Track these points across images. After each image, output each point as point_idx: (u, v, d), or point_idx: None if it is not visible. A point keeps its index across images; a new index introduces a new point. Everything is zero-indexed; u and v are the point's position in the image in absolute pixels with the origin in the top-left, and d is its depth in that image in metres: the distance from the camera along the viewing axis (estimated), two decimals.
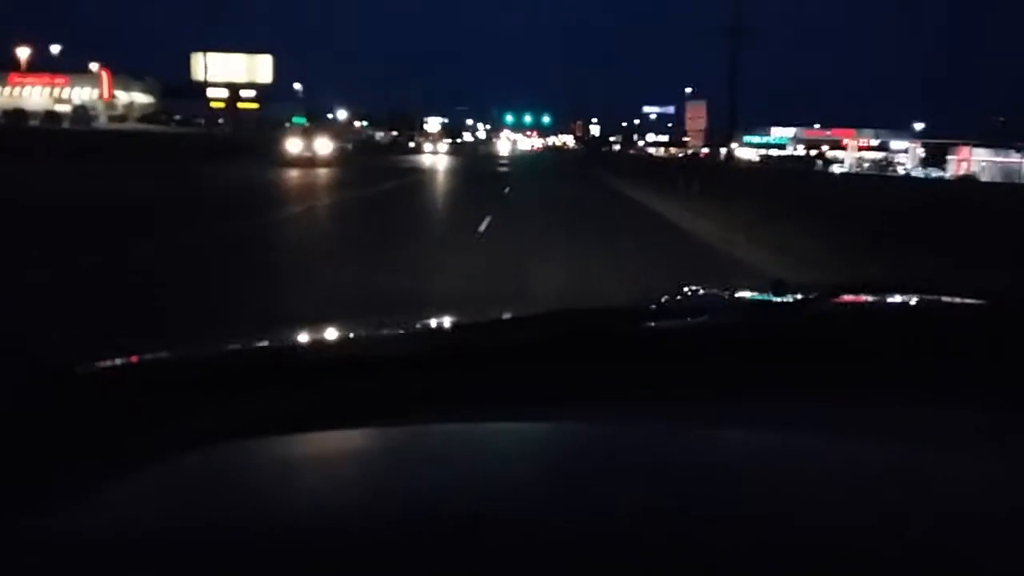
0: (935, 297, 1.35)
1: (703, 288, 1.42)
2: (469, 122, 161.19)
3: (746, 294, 1.48)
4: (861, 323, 1.17)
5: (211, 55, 66.78)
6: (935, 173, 66.67)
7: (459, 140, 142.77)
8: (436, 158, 52.53)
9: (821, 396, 0.93)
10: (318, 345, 1.12)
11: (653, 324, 1.12)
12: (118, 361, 0.96)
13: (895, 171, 68.34)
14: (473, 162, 49.23)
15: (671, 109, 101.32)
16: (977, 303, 1.30)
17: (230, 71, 64.91)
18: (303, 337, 1.15)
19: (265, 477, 0.72)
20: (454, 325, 1.25)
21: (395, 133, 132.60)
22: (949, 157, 68.90)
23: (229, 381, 0.92)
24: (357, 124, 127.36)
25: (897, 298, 1.38)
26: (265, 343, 1.16)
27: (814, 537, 0.58)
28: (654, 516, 0.61)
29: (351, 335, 1.21)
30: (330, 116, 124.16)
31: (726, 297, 1.46)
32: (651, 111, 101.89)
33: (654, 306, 1.24)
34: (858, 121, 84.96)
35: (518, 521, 0.60)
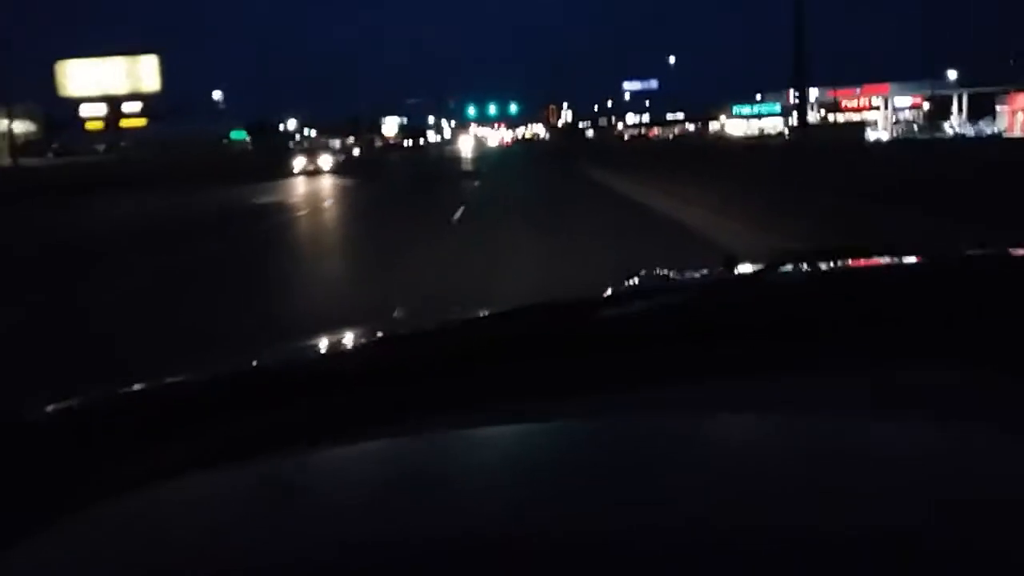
0: (893, 260, 1.31)
1: (654, 270, 1.42)
2: (432, 120, 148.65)
3: (701, 273, 1.43)
4: (811, 293, 1.15)
5: (80, 62, 52.80)
6: (988, 129, 54.51)
7: (422, 141, 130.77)
8: (311, 187, 28.52)
9: (778, 372, 0.93)
10: (276, 364, 1.10)
11: (599, 314, 1.12)
12: (63, 405, 0.93)
13: (943, 133, 56.32)
14: (377, 191, 26.18)
15: (654, 84, 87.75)
16: (934, 263, 1.28)
17: (106, 80, 51.17)
18: (260, 358, 1.12)
19: (229, 509, 0.70)
20: (403, 334, 1.20)
21: (351, 140, 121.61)
22: (998, 108, 56.92)
23: (190, 409, 0.90)
24: (312, 132, 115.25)
25: (854, 263, 1.32)
26: (221, 368, 1.11)
27: (793, 522, 0.58)
28: (627, 511, 0.61)
29: (310, 349, 1.17)
30: (282, 127, 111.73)
31: (678, 278, 1.43)
32: (631, 87, 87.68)
33: (605, 295, 1.22)
34: (863, 76, 72.71)
35: (495, 528, 0.60)
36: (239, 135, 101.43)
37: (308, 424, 0.87)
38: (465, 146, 78.83)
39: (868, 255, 1.32)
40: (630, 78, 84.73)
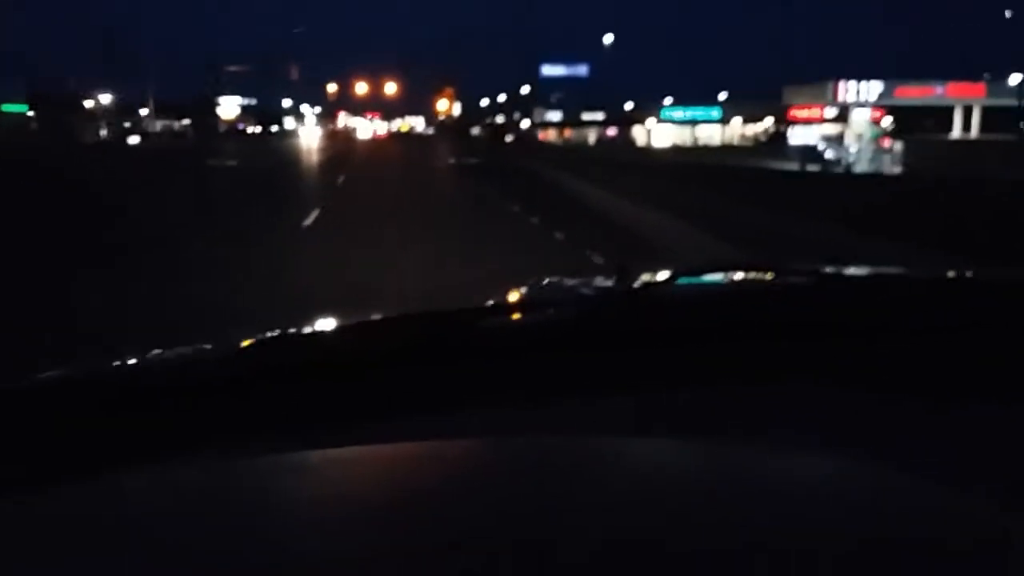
0: (786, 276, 1.31)
1: (552, 279, 1.44)
2: (289, 104, 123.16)
3: (594, 283, 1.41)
4: (702, 307, 1.17)
5: None
6: None
7: (274, 128, 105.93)
8: None
9: (662, 388, 0.93)
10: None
11: (487, 325, 1.09)
12: None
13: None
14: None
15: (583, 69, 64.94)
16: (825, 278, 1.30)
17: None
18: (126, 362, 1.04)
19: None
20: (273, 341, 1.10)
21: (187, 122, 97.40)
22: None
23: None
24: (144, 112, 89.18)
25: (742, 279, 1.33)
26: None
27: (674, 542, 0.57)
28: (508, 529, 0.59)
29: (169, 359, 1.06)
30: (89, 104, 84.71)
31: (570, 288, 1.43)
32: (552, 72, 63.83)
33: (493, 304, 1.22)
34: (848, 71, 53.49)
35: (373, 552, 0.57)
36: (14, 108, 74.73)
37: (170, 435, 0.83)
38: (309, 139, 54.83)
39: (765, 271, 1.33)
40: (552, 60, 61.79)
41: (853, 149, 36.11)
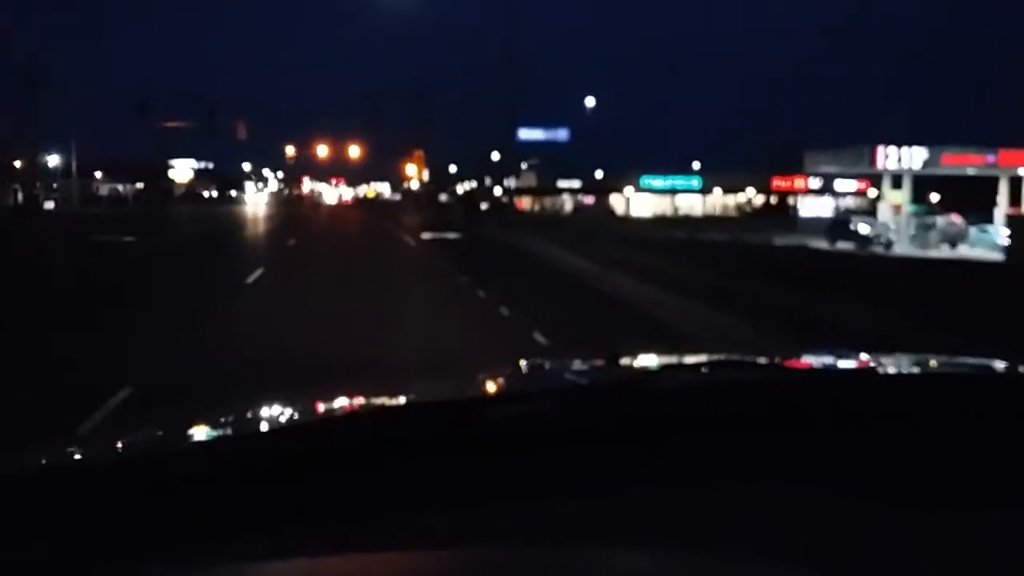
0: (778, 370, 1.29)
1: (534, 363, 1.39)
2: (248, 167, 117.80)
3: (576, 366, 1.38)
4: (684, 403, 1.10)
5: None
6: None
7: (234, 193, 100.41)
8: None
9: (664, 486, 0.90)
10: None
11: (472, 420, 1.05)
12: None
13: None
14: None
15: (563, 133, 59.89)
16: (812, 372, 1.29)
17: None
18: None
19: None
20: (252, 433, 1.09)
21: (140, 185, 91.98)
22: None
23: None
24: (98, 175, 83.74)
25: (749, 373, 1.27)
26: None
27: None
28: None
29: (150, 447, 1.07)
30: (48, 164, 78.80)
31: (553, 374, 1.40)
32: (530, 136, 58.30)
33: (481, 393, 1.21)
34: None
35: None
36: None
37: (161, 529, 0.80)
38: (255, 205, 48.81)
39: (763, 364, 1.29)
40: (529, 124, 56.76)
41: (892, 224, 31.25)
